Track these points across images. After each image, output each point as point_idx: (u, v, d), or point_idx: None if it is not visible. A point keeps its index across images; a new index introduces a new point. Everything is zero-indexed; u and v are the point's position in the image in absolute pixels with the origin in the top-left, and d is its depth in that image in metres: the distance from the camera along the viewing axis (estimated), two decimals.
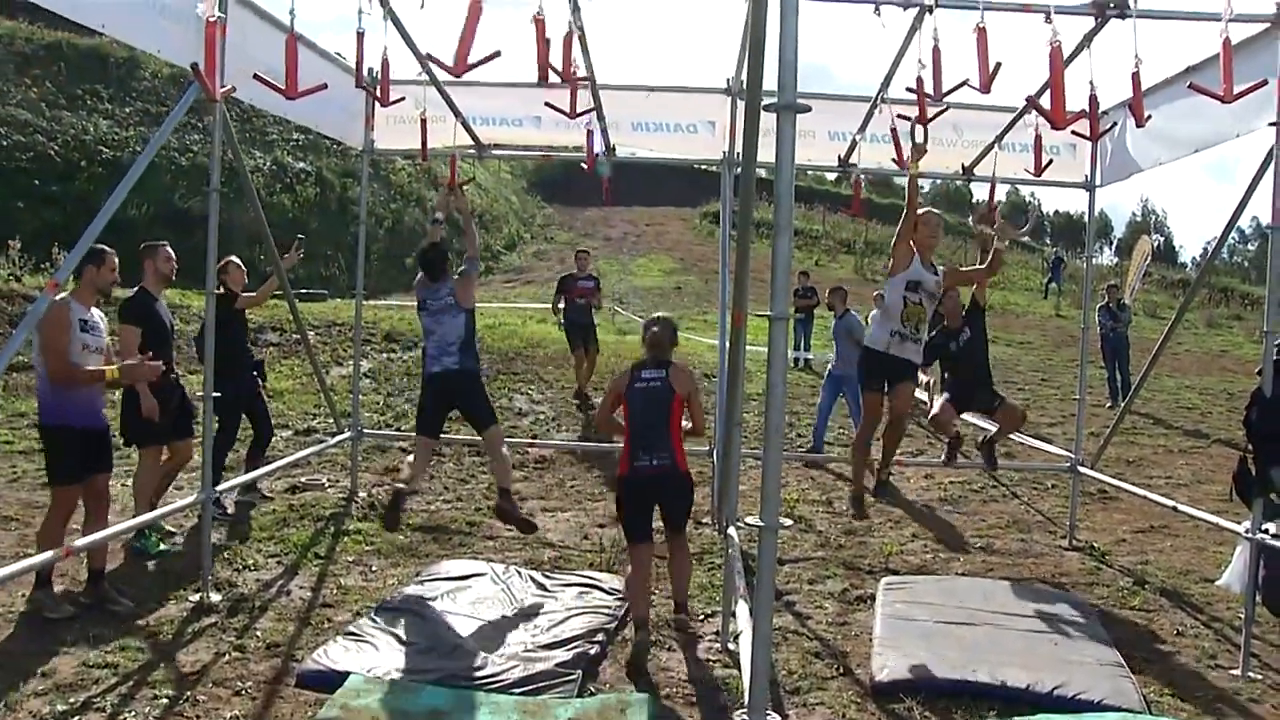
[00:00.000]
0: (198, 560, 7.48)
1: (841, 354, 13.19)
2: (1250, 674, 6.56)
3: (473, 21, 5.98)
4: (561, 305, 16.27)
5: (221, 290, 9.26)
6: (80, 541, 6.43)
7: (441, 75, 7.83)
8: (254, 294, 9.79)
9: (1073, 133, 7.25)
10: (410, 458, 8.87)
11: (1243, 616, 6.79)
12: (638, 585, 6.68)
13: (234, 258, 9.67)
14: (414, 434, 8.66)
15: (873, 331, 8.22)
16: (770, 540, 3.66)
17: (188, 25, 6.44)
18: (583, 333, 15.96)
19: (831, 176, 29.98)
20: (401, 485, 8.07)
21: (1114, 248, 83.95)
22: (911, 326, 7.53)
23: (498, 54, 6.23)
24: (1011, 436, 10.55)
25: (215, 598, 7.08)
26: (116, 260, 6.98)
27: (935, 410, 9.09)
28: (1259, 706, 6.11)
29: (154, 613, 6.84)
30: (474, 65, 6.12)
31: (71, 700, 5.43)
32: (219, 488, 7.83)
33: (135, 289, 7.98)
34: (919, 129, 7.10)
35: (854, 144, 9.28)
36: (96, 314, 6.91)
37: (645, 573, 6.72)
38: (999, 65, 5.96)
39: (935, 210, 8.02)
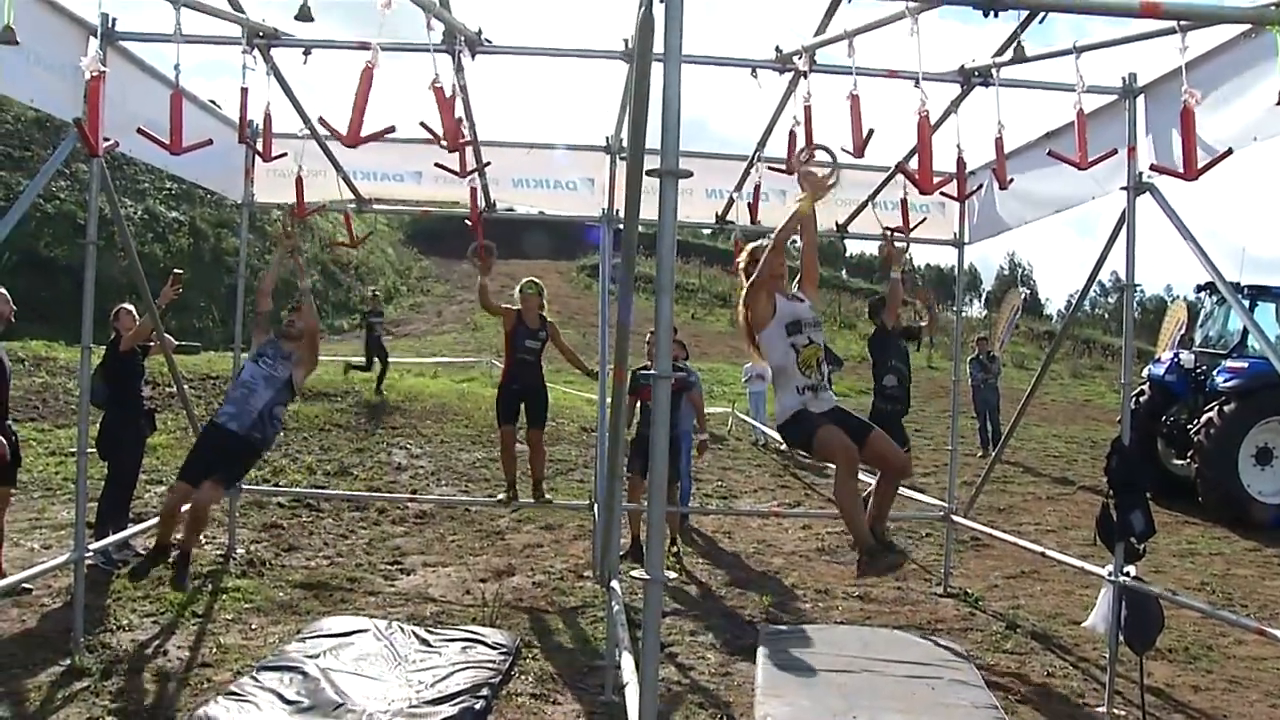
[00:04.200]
0: (66, 622, 7.27)
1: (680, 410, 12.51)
2: (1115, 710, 6.83)
3: (364, 89, 6.01)
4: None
5: (113, 336, 9.30)
6: None
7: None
8: (133, 331, 9.33)
9: (941, 193, 7.52)
10: None
11: (1107, 656, 7.04)
12: (508, 459, 9.94)
13: (127, 305, 9.55)
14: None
15: (779, 403, 6.31)
16: (656, 592, 3.71)
17: (64, 76, 6.38)
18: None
19: (707, 231, 30.18)
20: None
21: (983, 300, 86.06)
22: (815, 373, 6.03)
23: (392, 129, 6.30)
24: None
25: (87, 660, 6.83)
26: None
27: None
28: None
29: (19, 679, 6.56)
30: (368, 139, 6.16)
31: None
32: (93, 546, 7.58)
33: None
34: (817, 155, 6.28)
35: (730, 201, 9.47)
36: None
37: (511, 446, 9.92)
38: (871, 131, 6.15)
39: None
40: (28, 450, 11.30)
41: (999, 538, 9.94)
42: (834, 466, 6.05)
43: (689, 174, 3.62)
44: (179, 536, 7.60)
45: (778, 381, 6.14)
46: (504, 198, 9.82)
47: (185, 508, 7.52)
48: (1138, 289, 7.67)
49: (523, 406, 9.81)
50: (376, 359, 20.76)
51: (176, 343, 10.43)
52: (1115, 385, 8.25)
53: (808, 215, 6.10)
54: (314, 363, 8.38)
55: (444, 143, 6.50)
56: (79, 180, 26.77)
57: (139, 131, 6.59)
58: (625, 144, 6.56)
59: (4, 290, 8.20)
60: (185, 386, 10.17)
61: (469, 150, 7.90)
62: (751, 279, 6.15)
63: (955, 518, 10.09)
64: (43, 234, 27.00)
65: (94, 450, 8.64)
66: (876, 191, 9.28)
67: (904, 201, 8.70)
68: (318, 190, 9.30)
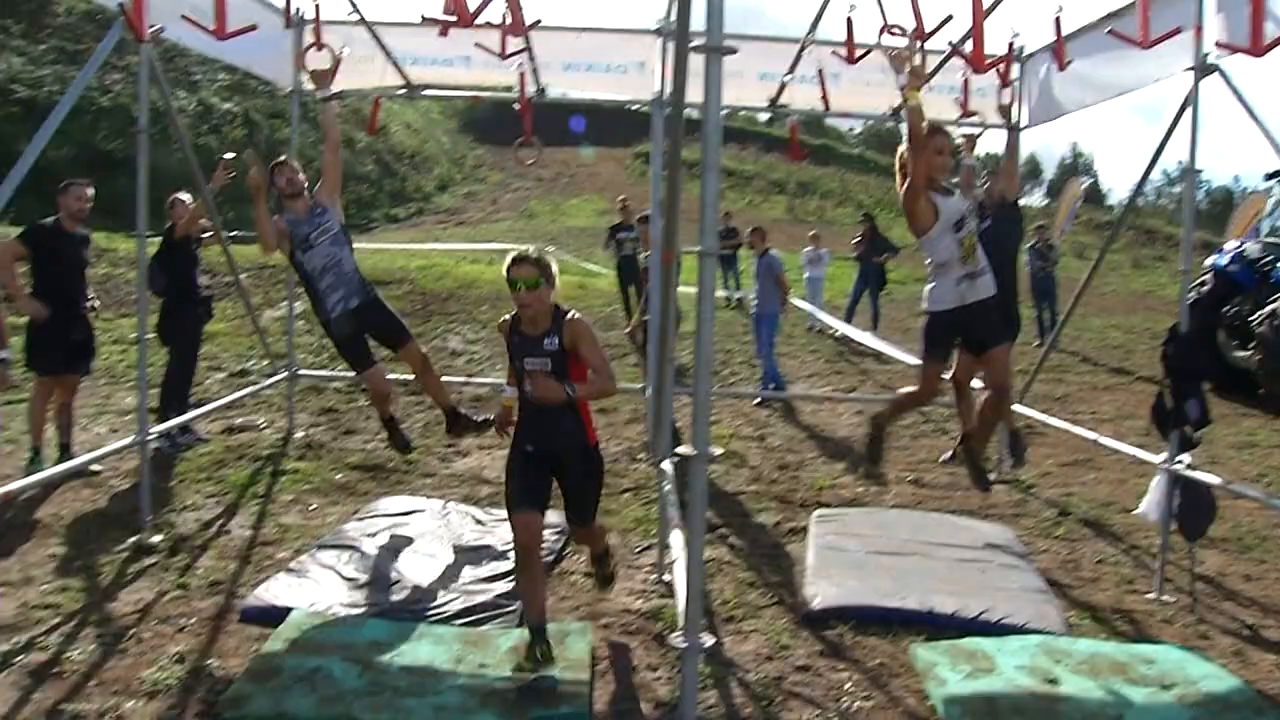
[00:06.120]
0: (134, 502, 7.49)
1: (764, 292, 13.31)
2: (1164, 597, 6.82)
3: None
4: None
5: (169, 225, 9.50)
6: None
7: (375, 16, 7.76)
8: (186, 218, 9.49)
9: (996, 73, 7.36)
10: None
11: (1159, 544, 7.04)
12: (529, 581, 5.31)
13: (182, 194, 9.64)
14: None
15: (934, 292, 6.65)
16: (700, 467, 3.75)
17: None
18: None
19: (764, 117, 29.94)
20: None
21: (1045, 189, 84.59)
22: (973, 260, 6.52)
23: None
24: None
25: (155, 538, 7.07)
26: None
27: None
28: (1170, 627, 6.36)
29: (94, 554, 6.82)
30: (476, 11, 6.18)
31: (14, 640, 5.44)
32: (155, 429, 7.73)
33: (53, 219, 8.56)
34: (914, 55, 6.50)
35: (782, 86, 9.32)
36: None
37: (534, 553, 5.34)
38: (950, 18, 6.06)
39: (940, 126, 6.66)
40: None
41: (1053, 425, 9.89)
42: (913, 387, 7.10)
43: (733, 50, 3.57)
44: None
45: (937, 271, 6.60)
46: (555, 82, 9.67)
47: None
48: (1200, 176, 7.49)
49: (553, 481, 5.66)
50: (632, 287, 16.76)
51: (231, 233, 10.42)
52: (1177, 276, 8.14)
53: (915, 105, 6.26)
54: (335, 168, 7.68)
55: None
56: (132, 73, 26.81)
57: (183, 18, 6.59)
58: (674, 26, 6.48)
59: (81, 188, 8.66)
60: (242, 275, 10.27)
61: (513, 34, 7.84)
62: (906, 185, 6.39)
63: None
64: (98, 127, 27.21)
65: (154, 336, 8.79)
66: (931, 75, 9.08)
67: (965, 81, 8.49)
68: (366, 76, 9.27)
